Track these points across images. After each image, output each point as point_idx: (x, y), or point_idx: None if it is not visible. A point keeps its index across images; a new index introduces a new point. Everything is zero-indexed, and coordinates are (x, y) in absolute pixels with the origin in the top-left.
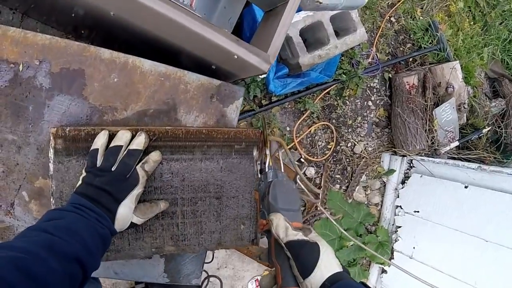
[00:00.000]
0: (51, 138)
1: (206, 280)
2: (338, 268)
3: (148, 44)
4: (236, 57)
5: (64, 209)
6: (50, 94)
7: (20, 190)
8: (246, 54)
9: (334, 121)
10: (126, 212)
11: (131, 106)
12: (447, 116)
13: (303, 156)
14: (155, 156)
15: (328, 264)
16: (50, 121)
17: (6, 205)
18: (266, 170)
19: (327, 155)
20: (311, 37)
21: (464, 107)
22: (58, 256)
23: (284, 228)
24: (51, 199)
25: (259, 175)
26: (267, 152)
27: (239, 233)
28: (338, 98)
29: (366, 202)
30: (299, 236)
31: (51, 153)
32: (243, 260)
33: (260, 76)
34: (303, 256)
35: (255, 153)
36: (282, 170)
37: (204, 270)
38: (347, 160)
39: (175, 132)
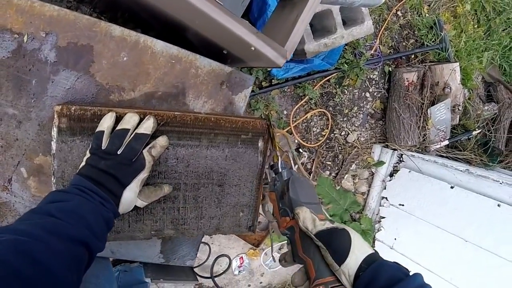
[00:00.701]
0: (55, 116)
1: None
2: (370, 250)
3: (159, 22)
4: (253, 48)
5: (68, 191)
6: (55, 68)
7: (18, 166)
8: (264, 48)
9: (331, 108)
10: (131, 196)
11: (139, 87)
12: (441, 115)
13: (298, 142)
14: (162, 141)
15: (361, 247)
16: (53, 96)
17: (4, 180)
18: (280, 170)
19: (321, 142)
20: (318, 24)
21: (458, 108)
22: (62, 239)
23: (312, 219)
24: (52, 178)
25: (272, 175)
26: (278, 153)
27: (238, 220)
28: (337, 86)
29: (353, 190)
30: (328, 225)
31: (54, 132)
32: (229, 237)
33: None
34: (336, 243)
35: (260, 144)
36: (294, 169)
37: None
38: (340, 148)
39: (184, 118)
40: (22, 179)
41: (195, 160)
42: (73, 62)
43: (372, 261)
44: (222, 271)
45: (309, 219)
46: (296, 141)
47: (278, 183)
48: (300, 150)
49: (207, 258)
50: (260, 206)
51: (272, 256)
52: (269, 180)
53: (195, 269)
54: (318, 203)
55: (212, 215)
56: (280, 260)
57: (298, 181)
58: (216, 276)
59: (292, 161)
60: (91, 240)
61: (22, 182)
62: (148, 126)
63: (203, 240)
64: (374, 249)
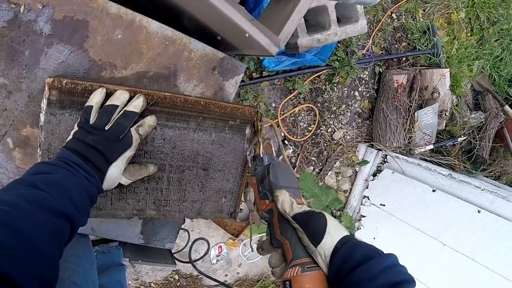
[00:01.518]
0: (46, 88)
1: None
2: (345, 232)
3: (155, 5)
4: (247, 35)
5: (53, 164)
6: (49, 41)
7: (5, 136)
8: (257, 35)
9: (319, 104)
10: (116, 173)
11: (131, 66)
12: (427, 119)
13: (284, 135)
14: (150, 120)
15: (336, 229)
16: (45, 69)
17: None
18: (261, 155)
19: (307, 137)
20: (313, 19)
21: (445, 114)
22: (45, 211)
23: (290, 202)
24: (38, 150)
25: (253, 161)
26: (260, 139)
27: (220, 206)
28: (327, 83)
29: (335, 188)
30: (305, 207)
31: (44, 104)
32: (209, 226)
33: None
34: (312, 225)
35: (247, 131)
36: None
37: None
38: (325, 144)
39: (174, 99)
40: (8, 150)
41: (181, 142)
42: (67, 36)
43: (347, 241)
44: (199, 257)
45: (288, 202)
46: (282, 134)
47: (259, 168)
48: (286, 142)
49: (186, 245)
50: (243, 194)
51: (251, 246)
52: (250, 165)
53: (173, 255)
54: (297, 188)
55: (194, 198)
56: (257, 248)
57: (279, 166)
58: (194, 261)
59: (273, 151)
60: (73, 214)
61: (8, 153)
62: (137, 104)
63: (182, 227)
64: (348, 232)
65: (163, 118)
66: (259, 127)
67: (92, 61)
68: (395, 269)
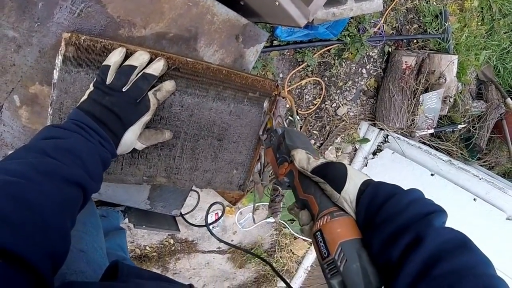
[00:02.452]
0: (63, 43)
1: None
2: (366, 176)
3: None
4: (277, 3)
5: (66, 128)
6: None
7: (12, 93)
8: (288, 4)
9: (326, 79)
10: (132, 138)
11: (151, 25)
12: (431, 103)
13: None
14: (169, 85)
15: (357, 174)
16: (59, 23)
17: None
18: (274, 128)
19: (311, 110)
20: None
21: (449, 100)
22: (56, 181)
23: (307, 158)
24: (49, 109)
25: (267, 134)
26: (272, 116)
27: (230, 177)
28: (336, 58)
29: None
30: (322, 160)
31: (58, 60)
32: (207, 192)
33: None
34: (332, 173)
35: (265, 104)
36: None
37: None
38: (328, 119)
39: (196, 65)
40: (14, 108)
41: (199, 110)
42: None
43: (370, 183)
44: (198, 224)
45: (305, 159)
46: (287, 105)
47: (274, 138)
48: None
49: (195, 207)
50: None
51: (253, 217)
52: (264, 140)
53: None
54: (313, 149)
55: (206, 168)
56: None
57: (293, 131)
58: (210, 224)
59: (285, 123)
60: (86, 181)
61: (14, 110)
62: (157, 67)
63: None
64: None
65: (183, 84)
66: (274, 105)
67: (110, 17)
68: (423, 201)
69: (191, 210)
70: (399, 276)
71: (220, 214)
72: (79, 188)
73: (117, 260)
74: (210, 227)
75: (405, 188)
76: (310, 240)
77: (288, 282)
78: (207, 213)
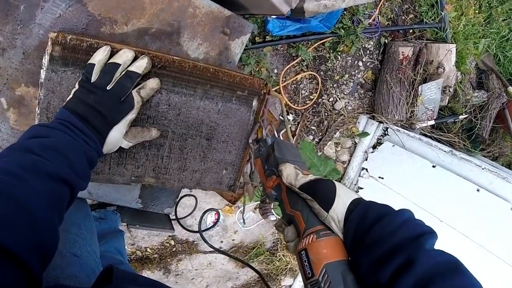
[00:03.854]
0: (49, 43)
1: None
2: (356, 195)
3: None
4: None
5: (51, 126)
6: None
7: None
8: None
9: (322, 73)
10: (117, 137)
11: (132, 22)
12: (431, 94)
13: (285, 103)
14: (153, 83)
15: (346, 192)
16: (41, 24)
17: None
18: (264, 137)
19: (308, 105)
20: None
21: (449, 90)
22: (42, 177)
23: (295, 174)
24: (37, 109)
25: (257, 144)
26: (262, 125)
27: (220, 177)
28: (331, 51)
29: (334, 158)
30: (311, 177)
31: (45, 59)
32: (206, 192)
33: (272, 16)
34: (321, 191)
35: (254, 103)
36: (281, 134)
37: None
38: (326, 114)
39: (182, 64)
40: (1, 110)
41: (187, 109)
42: None
43: (359, 203)
44: (195, 225)
45: (293, 174)
46: (283, 102)
47: (263, 149)
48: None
49: (193, 211)
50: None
51: (243, 218)
52: (253, 149)
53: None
54: (303, 162)
55: (195, 168)
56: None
57: (283, 143)
58: (203, 231)
59: (275, 131)
60: (72, 178)
61: (1, 113)
62: (140, 65)
63: (190, 192)
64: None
65: (169, 83)
66: (262, 111)
67: (91, 16)
68: (414, 222)
69: (189, 214)
70: None
71: (218, 216)
72: (65, 185)
73: (112, 265)
74: (210, 229)
75: (395, 208)
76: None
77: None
78: (201, 220)
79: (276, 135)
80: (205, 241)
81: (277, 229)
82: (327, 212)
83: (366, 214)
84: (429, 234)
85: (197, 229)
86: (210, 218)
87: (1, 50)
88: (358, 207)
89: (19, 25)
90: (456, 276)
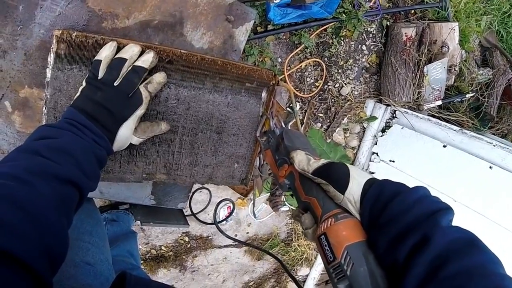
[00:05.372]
0: (54, 41)
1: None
2: (369, 175)
3: None
4: None
5: (58, 127)
6: None
7: (2, 99)
8: None
9: (326, 59)
10: (127, 133)
11: (134, 15)
12: (436, 74)
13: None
14: (159, 77)
15: (360, 173)
16: (41, 23)
17: None
18: (272, 129)
19: (314, 93)
20: None
21: (454, 69)
22: (49, 180)
23: (307, 160)
24: (44, 109)
25: (265, 136)
26: (269, 116)
27: (232, 171)
28: (334, 37)
29: (344, 144)
30: (323, 161)
31: (51, 58)
32: (217, 185)
33: (275, 1)
34: (335, 174)
35: (263, 94)
36: (291, 124)
37: None
38: (332, 100)
39: (190, 57)
40: (6, 114)
41: (196, 103)
42: None
43: (373, 182)
44: (209, 220)
45: (305, 160)
46: (292, 92)
47: (272, 139)
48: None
49: (207, 205)
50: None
51: (253, 212)
52: (262, 142)
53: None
54: (313, 148)
55: (206, 163)
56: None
57: (291, 131)
58: (219, 222)
59: (282, 122)
60: (80, 179)
61: (6, 116)
62: (146, 59)
63: (203, 186)
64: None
65: (178, 77)
66: (271, 102)
67: (92, 11)
68: (429, 199)
69: (204, 208)
70: (406, 278)
71: (232, 208)
72: (73, 187)
73: (125, 271)
74: (224, 222)
75: (411, 186)
76: (314, 243)
77: (296, 279)
78: (215, 211)
79: (284, 125)
80: (222, 232)
81: (294, 219)
82: (343, 194)
83: (380, 193)
84: (445, 210)
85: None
86: (222, 212)
87: (2, 52)
88: (373, 186)
89: (19, 25)
90: (473, 253)
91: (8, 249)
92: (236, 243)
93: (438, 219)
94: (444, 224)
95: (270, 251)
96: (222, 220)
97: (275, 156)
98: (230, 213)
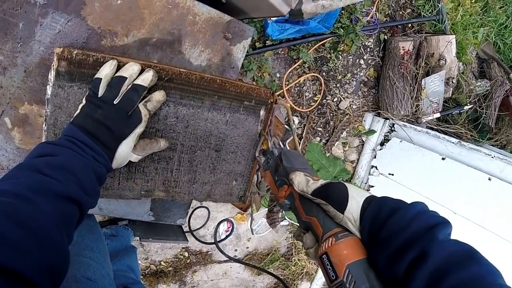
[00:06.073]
0: (55, 58)
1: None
2: (368, 193)
3: None
4: None
5: (58, 144)
6: (44, 11)
7: (2, 115)
8: None
9: (324, 73)
10: (126, 151)
11: (132, 33)
12: (434, 87)
13: (290, 106)
14: (158, 95)
15: (358, 192)
16: (41, 41)
17: None
18: (270, 149)
19: (313, 107)
20: None
21: (452, 81)
22: (50, 198)
23: (306, 181)
24: (44, 125)
25: (264, 157)
26: (267, 137)
27: (230, 189)
28: (332, 51)
29: (343, 158)
30: (322, 181)
31: (51, 75)
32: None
33: (272, 19)
34: (334, 194)
35: (262, 113)
36: (288, 142)
37: None
38: (331, 114)
39: (189, 76)
40: (6, 130)
41: (195, 121)
42: (63, 4)
43: (372, 200)
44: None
45: (303, 181)
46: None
47: (271, 160)
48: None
49: (205, 223)
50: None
51: (251, 228)
52: (261, 162)
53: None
54: (312, 169)
55: (205, 180)
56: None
57: (290, 152)
58: (219, 242)
59: (280, 142)
60: (81, 197)
61: (6, 133)
62: (146, 78)
63: (202, 204)
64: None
65: (177, 95)
66: (270, 120)
67: (91, 29)
68: (427, 214)
69: (202, 226)
70: None
71: (232, 226)
72: (74, 204)
73: (126, 286)
74: (224, 235)
75: (408, 202)
76: (316, 262)
77: None
78: (216, 231)
79: (282, 146)
80: (222, 252)
81: (296, 239)
82: (343, 213)
83: (379, 210)
84: (442, 224)
85: (210, 240)
86: (222, 227)
87: (2, 69)
88: (371, 204)
89: (19, 43)
90: (472, 264)
91: (11, 266)
92: (237, 257)
93: (435, 233)
94: (441, 238)
95: (270, 266)
96: (222, 240)
97: (274, 177)
98: (230, 232)
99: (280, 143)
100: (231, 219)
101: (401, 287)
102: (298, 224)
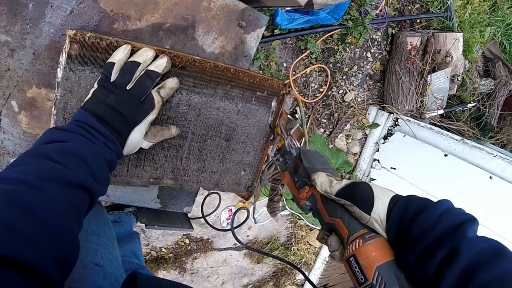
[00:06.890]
0: (67, 41)
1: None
2: (393, 192)
3: None
4: None
5: (68, 130)
6: None
7: (9, 99)
8: None
9: (331, 65)
10: (138, 138)
11: (146, 17)
12: (440, 83)
13: (295, 96)
14: (172, 82)
15: (384, 192)
16: (51, 22)
17: None
18: (287, 149)
19: (318, 98)
20: None
21: (457, 79)
22: (60, 185)
23: (329, 181)
24: (53, 109)
25: (281, 157)
26: (282, 136)
27: (238, 179)
28: (339, 43)
29: (345, 150)
30: (345, 181)
31: (63, 58)
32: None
33: (287, 8)
34: (359, 194)
35: (273, 104)
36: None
37: None
38: (336, 106)
39: (203, 64)
40: (13, 114)
41: (207, 110)
42: None
43: (398, 200)
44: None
45: (327, 182)
46: (294, 96)
47: (289, 161)
48: (297, 109)
49: (217, 207)
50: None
51: (254, 218)
52: (278, 163)
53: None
54: (333, 168)
55: (214, 169)
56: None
57: (309, 152)
58: (235, 228)
59: (296, 142)
60: (91, 185)
61: (13, 117)
62: (160, 64)
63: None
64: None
65: (190, 83)
66: (282, 126)
67: (103, 12)
68: (453, 212)
69: (213, 211)
70: None
71: (233, 211)
72: (84, 191)
73: (135, 271)
74: (225, 223)
75: (435, 200)
76: (343, 265)
77: (307, 274)
78: (233, 218)
79: (299, 145)
80: (237, 240)
81: (319, 241)
82: (369, 214)
83: (406, 210)
84: (470, 221)
85: (220, 227)
86: (224, 215)
87: (10, 51)
88: (398, 204)
89: (28, 24)
90: (501, 261)
91: (20, 257)
92: (237, 245)
93: (464, 231)
94: (470, 236)
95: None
96: (238, 226)
97: (294, 178)
98: (245, 219)
99: (297, 142)
100: (246, 204)
101: (432, 286)
102: (300, 215)
